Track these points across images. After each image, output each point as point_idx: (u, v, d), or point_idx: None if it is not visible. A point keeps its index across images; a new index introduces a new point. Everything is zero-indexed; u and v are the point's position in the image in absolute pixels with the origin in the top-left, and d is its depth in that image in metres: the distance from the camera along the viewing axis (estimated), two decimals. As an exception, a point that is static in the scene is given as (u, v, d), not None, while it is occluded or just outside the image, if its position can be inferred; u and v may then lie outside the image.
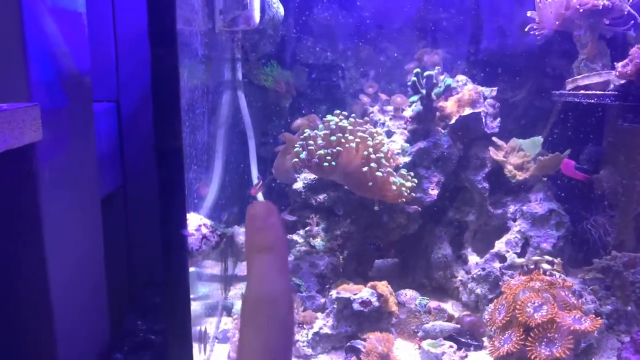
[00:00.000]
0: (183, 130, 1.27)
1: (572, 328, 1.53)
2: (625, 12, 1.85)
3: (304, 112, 2.52)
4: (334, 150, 1.90)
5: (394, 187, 1.94)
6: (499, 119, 2.22)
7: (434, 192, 2.13)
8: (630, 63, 1.50)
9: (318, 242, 2.13)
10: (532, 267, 1.84)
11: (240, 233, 2.50)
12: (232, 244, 2.45)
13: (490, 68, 2.42)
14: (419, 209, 2.12)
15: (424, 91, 2.07)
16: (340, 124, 1.95)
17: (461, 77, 2.25)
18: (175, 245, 1.28)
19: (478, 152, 2.19)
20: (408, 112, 2.21)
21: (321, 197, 2.18)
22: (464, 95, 2.13)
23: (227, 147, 2.26)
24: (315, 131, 2.00)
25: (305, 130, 2.02)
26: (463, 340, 1.84)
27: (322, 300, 1.96)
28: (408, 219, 2.14)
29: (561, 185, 2.25)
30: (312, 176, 2.19)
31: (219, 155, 2.16)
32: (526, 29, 2.08)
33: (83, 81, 1.22)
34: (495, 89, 2.23)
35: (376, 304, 1.80)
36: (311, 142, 1.95)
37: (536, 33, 2.03)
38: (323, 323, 1.83)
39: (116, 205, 1.63)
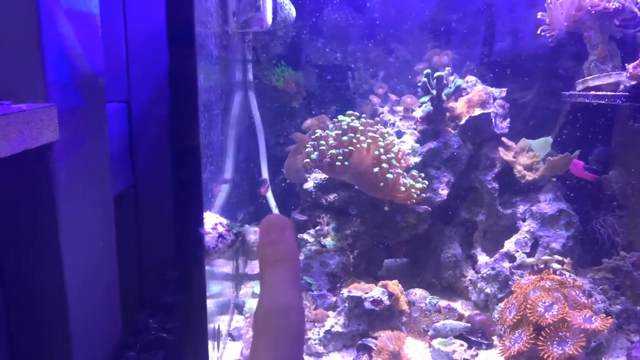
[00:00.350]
0: (200, 129, 1.30)
1: (583, 327, 1.54)
2: (636, 14, 1.86)
3: (313, 112, 2.55)
4: (346, 150, 1.92)
5: (404, 188, 1.96)
6: (508, 120, 2.23)
7: (444, 192, 2.15)
8: (642, 64, 1.51)
9: (328, 241, 2.15)
10: (542, 266, 1.85)
11: (251, 232, 2.52)
12: (243, 242, 2.47)
13: (499, 69, 2.44)
14: (429, 209, 2.14)
15: (434, 92, 2.08)
16: (352, 124, 1.97)
17: (471, 78, 2.27)
18: (192, 243, 1.30)
19: (488, 152, 2.20)
20: (418, 113, 2.23)
21: (331, 196, 2.20)
22: (474, 96, 2.14)
23: (238, 147, 2.28)
24: (327, 131, 2.02)
25: (317, 131, 2.04)
26: (473, 339, 1.86)
27: (333, 298, 1.98)
28: (418, 219, 2.16)
29: (570, 185, 2.26)
30: (323, 176, 2.20)
31: (231, 155, 2.19)
32: (539, 32, 2.09)
33: (97, 82, 1.25)
34: (505, 89, 2.24)
35: (387, 302, 1.82)
36: (323, 142, 1.97)
37: (547, 35, 2.04)
38: (334, 321, 1.85)
39: (126, 205, 1.65)
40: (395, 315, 1.86)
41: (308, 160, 1.97)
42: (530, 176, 2.13)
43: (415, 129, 2.22)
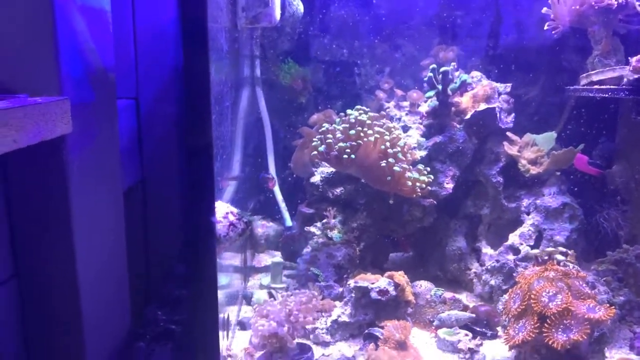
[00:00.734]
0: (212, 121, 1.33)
1: (586, 316, 1.57)
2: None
3: (320, 108, 2.58)
4: (353, 143, 1.95)
5: (410, 182, 1.99)
6: (513, 114, 2.26)
7: (449, 185, 2.18)
8: (645, 58, 1.53)
9: (335, 234, 2.19)
10: (546, 258, 1.88)
11: (258, 225, 2.56)
12: (250, 235, 2.51)
13: (504, 65, 2.46)
14: (435, 202, 2.17)
15: (440, 87, 2.11)
16: (359, 117, 2.00)
17: (476, 74, 2.29)
18: (204, 232, 1.34)
19: (493, 146, 2.23)
20: (424, 108, 2.26)
21: (338, 190, 2.23)
22: (479, 90, 2.17)
23: (246, 142, 2.32)
24: (334, 125, 2.05)
25: (324, 124, 2.08)
26: (478, 329, 1.89)
27: (340, 289, 2.02)
28: (423, 212, 2.19)
29: (574, 180, 2.29)
30: (330, 170, 2.24)
31: (239, 149, 2.23)
32: (545, 27, 2.11)
33: (108, 77, 1.28)
34: (510, 85, 2.27)
35: (393, 293, 1.85)
36: (330, 135, 2.00)
37: (553, 32, 2.06)
38: (341, 311, 1.88)
39: (135, 200, 1.69)
40: (401, 305, 1.89)
41: (315, 153, 2.00)
42: (534, 170, 2.15)
43: (421, 124, 2.25)
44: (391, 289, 1.85)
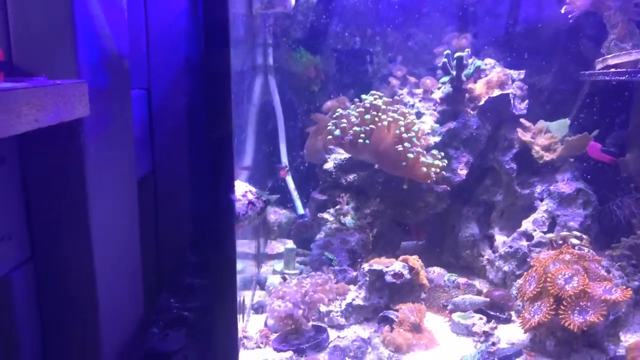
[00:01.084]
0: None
1: (603, 297, 1.57)
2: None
3: (332, 96, 2.59)
4: (367, 128, 1.96)
5: (424, 167, 1.99)
6: (526, 101, 2.26)
7: (463, 172, 2.18)
8: (663, 39, 1.53)
9: (348, 219, 2.19)
10: (561, 242, 1.88)
11: (270, 212, 2.57)
12: (264, 223, 2.52)
13: (517, 53, 2.46)
14: (448, 188, 2.17)
15: (454, 72, 2.12)
16: (374, 102, 2.00)
17: (489, 61, 2.29)
18: (223, 210, 1.35)
19: (506, 133, 2.23)
20: (438, 94, 2.26)
21: (351, 176, 2.24)
22: (493, 77, 2.17)
23: (258, 129, 2.33)
24: (349, 110, 2.06)
25: (338, 110, 2.08)
26: (492, 313, 1.89)
27: (354, 273, 2.03)
28: (437, 199, 2.19)
29: (587, 167, 2.29)
30: (343, 156, 2.24)
31: (251, 137, 2.23)
32: (562, 11, 2.11)
33: (123, 64, 1.29)
34: (523, 71, 2.27)
35: (408, 276, 1.86)
36: (344, 120, 2.00)
37: (569, 16, 2.06)
38: (356, 295, 1.89)
39: (146, 190, 1.70)
40: (415, 289, 1.90)
41: (330, 137, 2.01)
42: (548, 157, 2.15)
43: (434, 110, 2.25)
44: (406, 272, 1.86)
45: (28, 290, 0.90)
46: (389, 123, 1.97)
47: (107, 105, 1.15)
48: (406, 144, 1.93)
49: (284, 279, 2.10)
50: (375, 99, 2.03)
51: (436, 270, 2.10)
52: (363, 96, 2.07)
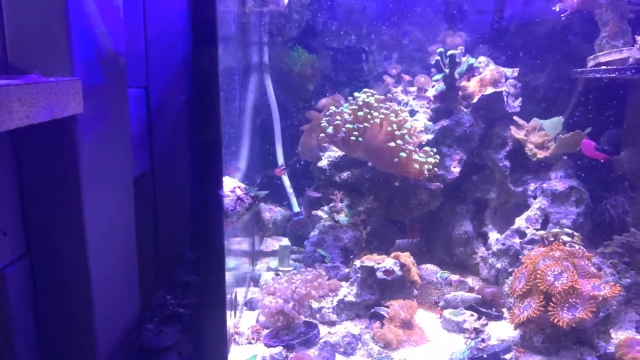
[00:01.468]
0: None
1: (592, 294, 1.57)
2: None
3: (327, 94, 2.60)
4: (360, 125, 1.97)
5: (417, 164, 2.00)
6: (520, 99, 2.26)
7: (456, 169, 2.19)
8: (651, 36, 1.53)
9: (342, 217, 2.20)
10: (552, 239, 1.88)
11: (265, 209, 2.58)
12: (258, 220, 2.53)
13: (512, 51, 2.46)
14: (441, 185, 2.18)
15: (447, 70, 2.12)
16: (367, 100, 2.01)
17: (483, 59, 2.30)
18: (211, 205, 1.36)
19: (500, 131, 2.24)
20: (431, 92, 2.27)
21: (345, 174, 2.25)
22: (486, 75, 2.17)
23: (253, 128, 2.34)
24: (342, 107, 2.07)
25: (332, 107, 2.09)
26: (483, 310, 1.89)
27: (346, 270, 2.03)
28: (430, 196, 2.20)
29: (582, 166, 2.29)
30: (337, 154, 2.25)
31: (247, 135, 2.24)
32: (556, 9, 2.11)
33: (119, 61, 1.30)
34: (517, 69, 2.27)
35: (399, 273, 1.86)
36: (337, 117, 2.01)
37: (562, 15, 2.06)
38: (347, 291, 1.90)
39: (145, 188, 1.72)
40: (406, 285, 1.90)
41: (323, 135, 2.02)
42: (541, 154, 2.15)
43: (428, 108, 2.26)
44: (397, 269, 1.86)
45: (23, 286, 0.91)
46: (381, 120, 1.98)
47: (102, 102, 1.16)
48: (398, 141, 1.93)
49: (278, 275, 2.11)
50: (367, 96, 2.04)
51: (429, 268, 2.11)
52: (356, 94, 2.08)
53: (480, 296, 1.92)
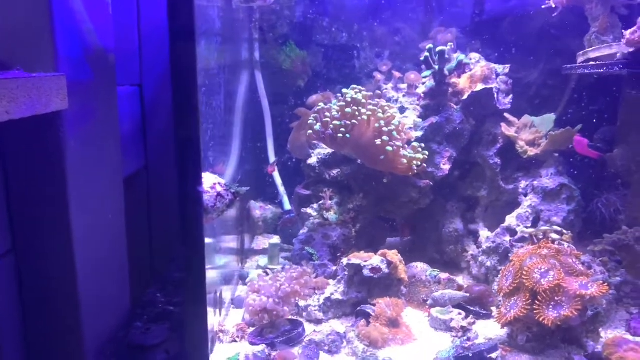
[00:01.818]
0: (199, 92, 1.33)
1: (578, 292, 1.55)
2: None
3: (319, 91, 2.58)
4: (348, 122, 1.95)
5: (405, 160, 1.98)
6: (511, 96, 2.24)
7: (446, 167, 2.17)
8: (639, 30, 1.51)
9: (331, 215, 2.19)
10: (541, 237, 1.86)
11: (256, 207, 2.57)
12: (248, 218, 2.52)
13: (505, 48, 2.44)
14: (431, 183, 2.16)
15: (436, 67, 2.10)
16: (355, 96, 2.00)
17: (474, 55, 2.28)
18: (191, 201, 1.34)
19: (490, 128, 2.22)
20: (421, 89, 2.25)
21: (335, 171, 2.23)
22: (477, 71, 2.15)
23: (244, 125, 2.33)
24: (330, 104, 2.05)
25: (319, 104, 2.08)
26: (471, 308, 1.87)
27: (334, 268, 2.02)
28: (420, 194, 2.18)
29: (574, 163, 2.26)
30: (326, 151, 2.24)
31: (237, 133, 2.23)
32: (552, 5, 2.08)
33: (107, 58, 1.29)
34: (508, 66, 2.25)
35: (386, 270, 1.85)
36: (326, 114, 2.00)
37: (553, 15, 2.04)
38: (335, 289, 1.88)
39: (139, 185, 1.71)
40: (394, 283, 1.89)
41: (310, 132, 2.00)
42: (532, 151, 2.13)
43: (418, 105, 2.24)
44: (384, 266, 1.85)
45: (8, 283, 0.90)
46: (369, 117, 1.96)
47: (89, 99, 1.15)
48: (384, 138, 1.92)
49: (266, 273, 2.09)
50: (356, 93, 2.02)
51: (419, 266, 2.09)
52: (344, 90, 2.06)
53: (468, 294, 1.90)
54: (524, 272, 1.64)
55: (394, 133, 1.96)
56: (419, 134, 2.16)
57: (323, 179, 2.26)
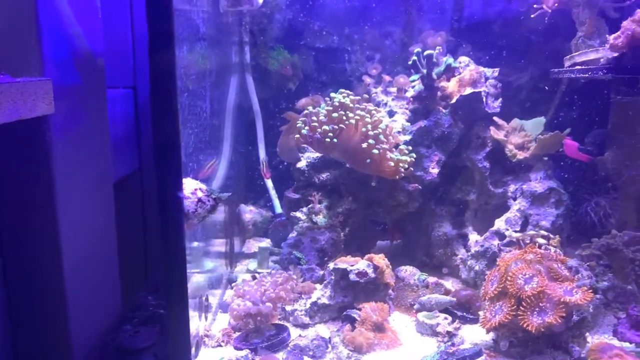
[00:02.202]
0: (181, 97, 1.33)
1: (562, 299, 1.55)
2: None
3: (309, 95, 2.58)
4: (335, 127, 1.95)
5: (392, 163, 1.98)
6: (500, 99, 2.23)
7: (435, 170, 2.16)
8: (622, 35, 1.50)
9: (320, 218, 2.18)
10: (528, 241, 1.86)
11: (246, 211, 2.57)
12: (238, 221, 2.52)
13: (495, 51, 2.44)
14: (419, 187, 2.15)
15: (424, 70, 2.10)
16: (342, 100, 1.99)
17: (464, 59, 2.27)
18: (171, 207, 1.34)
19: (479, 131, 2.21)
20: (410, 93, 2.24)
21: (324, 175, 2.23)
22: (465, 75, 2.15)
23: (234, 129, 2.33)
24: (318, 108, 2.05)
25: (308, 107, 2.08)
26: (458, 313, 1.87)
27: (321, 272, 2.02)
28: (408, 197, 2.17)
29: (565, 167, 2.26)
30: (315, 155, 2.23)
31: (227, 136, 2.23)
32: (532, 16, 2.08)
33: (96, 62, 1.28)
34: (497, 69, 2.24)
35: (372, 275, 1.84)
36: (314, 118, 2.00)
37: (545, 19, 2.03)
38: (321, 293, 1.88)
39: (133, 188, 1.71)
40: (380, 288, 1.88)
41: (298, 136, 2.00)
42: (521, 155, 2.13)
43: (407, 109, 2.24)
44: (370, 271, 1.84)
45: None
46: (357, 121, 1.96)
47: (77, 103, 1.14)
48: (371, 141, 1.91)
49: (254, 277, 2.09)
50: (344, 97, 2.02)
51: (408, 270, 2.09)
52: (332, 94, 2.06)
53: (455, 299, 1.90)
54: (509, 278, 1.64)
55: (381, 136, 1.96)
56: (408, 137, 2.15)
57: (312, 183, 2.26)
